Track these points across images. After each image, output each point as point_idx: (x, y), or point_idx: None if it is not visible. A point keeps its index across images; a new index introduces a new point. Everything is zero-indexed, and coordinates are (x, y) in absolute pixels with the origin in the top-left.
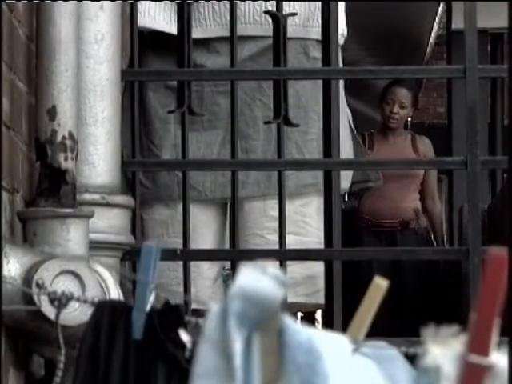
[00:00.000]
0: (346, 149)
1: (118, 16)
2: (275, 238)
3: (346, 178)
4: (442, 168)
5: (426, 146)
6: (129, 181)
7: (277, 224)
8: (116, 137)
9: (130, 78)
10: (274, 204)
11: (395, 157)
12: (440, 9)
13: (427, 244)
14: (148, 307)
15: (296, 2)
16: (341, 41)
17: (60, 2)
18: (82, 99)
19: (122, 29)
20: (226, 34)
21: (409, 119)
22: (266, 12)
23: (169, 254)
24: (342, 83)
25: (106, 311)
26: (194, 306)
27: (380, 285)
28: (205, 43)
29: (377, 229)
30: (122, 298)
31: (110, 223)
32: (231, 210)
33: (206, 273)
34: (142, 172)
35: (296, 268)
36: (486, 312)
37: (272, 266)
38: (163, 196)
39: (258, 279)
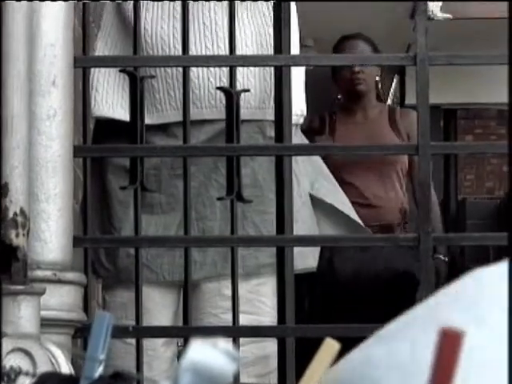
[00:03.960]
0: (306, 219)
1: (70, 92)
2: (229, 317)
3: (312, 256)
4: (395, 244)
5: (410, 122)
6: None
7: (231, 303)
8: (68, 213)
9: (83, 154)
10: (229, 283)
11: (365, 139)
12: (393, 84)
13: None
14: (96, 376)
15: (251, 80)
16: (300, 120)
17: (12, 78)
18: (33, 175)
19: (75, 104)
20: (182, 118)
21: (381, 88)
22: (219, 88)
23: (121, 331)
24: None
25: (51, 381)
26: None
27: (332, 345)
28: (163, 128)
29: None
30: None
31: (62, 300)
32: (185, 288)
33: (162, 355)
34: (104, 255)
35: (249, 348)
36: None
37: (223, 342)
38: (124, 279)
39: (208, 354)
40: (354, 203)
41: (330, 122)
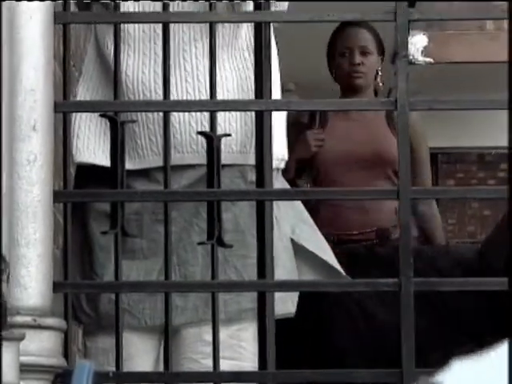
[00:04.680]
0: (286, 263)
1: (51, 137)
2: (210, 362)
3: (290, 301)
4: (375, 289)
5: (410, 123)
6: (73, 305)
7: (211, 348)
8: (48, 258)
9: (63, 199)
10: (210, 329)
11: (358, 136)
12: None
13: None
14: None
15: (232, 124)
16: (281, 164)
17: None
18: (14, 220)
19: (56, 149)
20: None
21: (379, 82)
22: (200, 133)
23: (102, 377)
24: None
25: None
26: None
27: None
28: (145, 173)
29: (344, 245)
30: None
31: (42, 346)
32: (166, 334)
33: None
34: (85, 301)
35: None
36: None
37: None
38: (105, 325)
39: None
40: (346, 207)
41: (321, 114)
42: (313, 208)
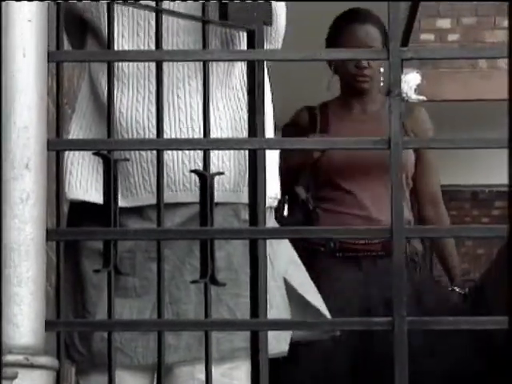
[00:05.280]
0: (279, 303)
1: (44, 174)
2: None
3: (284, 340)
4: (369, 328)
5: (417, 122)
6: (65, 343)
7: None
8: (41, 297)
9: (56, 237)
10: (202, 367)
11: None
12: None
13: (429, 279)
14: None
15: (226, 163)
16: (274, 203)
17: None
18: (6, 258)
19: (49, 187)
20: None
21: (381, 79)
22: (193, 171)
23: None
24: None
25: None
26: None
27: None
28: (138, 211)
29: (346, 254)
30: None
31: None
32: (158, 372)
33: None
34: (78, 339)
35: None
36: None
37: None
38: (98, 363)
39: None
40: (351, 215)
41: (322, 116)
42: (310, 214)
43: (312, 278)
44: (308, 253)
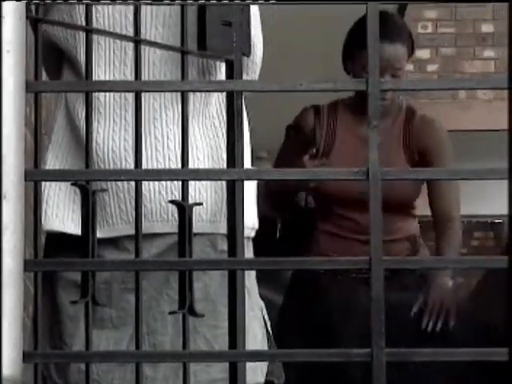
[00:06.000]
0: (257, 332)
1: (21, 205)
2: None
3: (260, 371)
4: (348, 359)
5: (429, 138)
6: (43, 375)
7: None
8: (18, 328)
9: (34, 268)
10: None
11: (364, 159)
12: None
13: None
14: None
15: (203, 193)
16: (252, 233)
17: None
18: None
19: (26, 218)
20: (134, 231)
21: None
22: (171, 201)
23: None
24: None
25: None
26: None
27: None
28: (114, 242)
29: (347, 276)
30: None
31: None
32: None
33: None
34: (54, 371)
35: None
36: None
37: None
38: None
39: None
40: (354, 240)
41: (329, 120)
42: (307, 236)
43: (317, 299)
44: (313, 275)
